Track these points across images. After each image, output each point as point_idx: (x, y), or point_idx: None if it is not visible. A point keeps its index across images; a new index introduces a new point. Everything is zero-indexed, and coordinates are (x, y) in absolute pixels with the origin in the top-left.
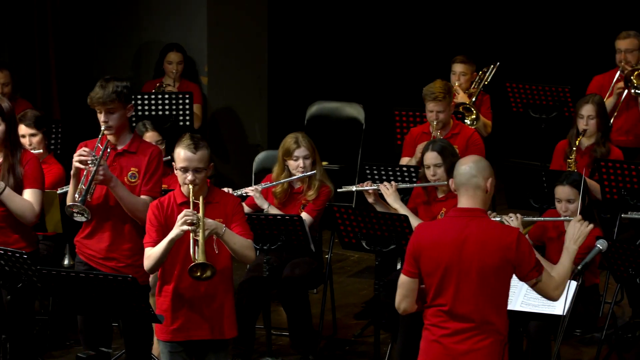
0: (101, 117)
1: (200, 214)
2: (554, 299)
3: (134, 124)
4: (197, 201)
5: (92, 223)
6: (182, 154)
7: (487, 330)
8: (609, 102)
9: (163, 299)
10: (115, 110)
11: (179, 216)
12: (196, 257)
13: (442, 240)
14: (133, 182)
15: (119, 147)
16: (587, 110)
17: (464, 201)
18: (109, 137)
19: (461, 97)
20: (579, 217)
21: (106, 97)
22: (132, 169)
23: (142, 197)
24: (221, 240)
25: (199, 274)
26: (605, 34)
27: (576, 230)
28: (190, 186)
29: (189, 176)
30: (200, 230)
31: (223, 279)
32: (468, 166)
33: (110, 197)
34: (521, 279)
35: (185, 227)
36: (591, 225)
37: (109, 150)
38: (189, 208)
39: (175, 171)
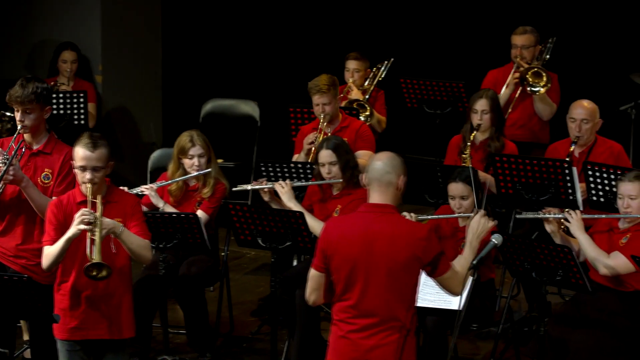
0: (18, 116)
1: (98, 213)
2: (458, 294)
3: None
4: (95, 200)
5: (5, 220)
6: (80, 152)
7: (395, 326)
8: (504, 94)
9: (61, 297)
10: (33, 110)
11: (76, 215)
12: (92, 257)
13: (351, 235)
14: (46, 183)
15: (35, 147)
16: (481, 105)
17: (376, 197)
18: (25, 137)
19: (355, 94)
20: (482, 212)
21: (25, 97)
22: (46, 170)
23: (54, 198)
24: (119, 240)
25: (94, 273)
26: (500, 28)
27: (479, 225)
28: (89, 185)
29: (87, 175)
30: (98, 230)
31: (121, 278)
32: (382, 162)
33: (23, 195)
34: (430, 275)
35: (82, 226)
36: (495, 221)
37: (23, 149)
38: (88, 207)
39: (74, 170)
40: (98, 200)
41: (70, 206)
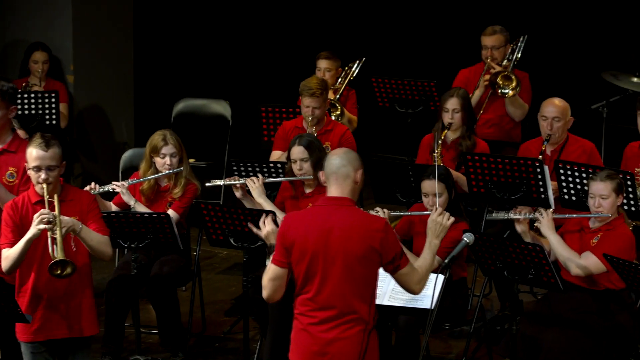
0: None
1: (56, 212)
2: (415, 292)
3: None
4: (52, 200)
5: None
6: (34, 153)
7: (353, 318)
8: (475, 96)
9: (21, 299)
10: None
11: (35, 216)
12: (55, 255)
13: (309, 228)
14: (11, 181)
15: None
16: (452, 103)
17: (333, 190)
18: None
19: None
20: (439, 210)
21: None
22: (10, 168)
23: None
24: (78, 238)
25: (59, 271)
26: (471, 27)
27: (437, 225)
28: (44, 185)
29: (42, 175)
30: (58, 229)
31: (81, 276)
32: (338, 156)
33: None
34: (385, 268)
35: (42, 226)
36: (452, 219)
37: None
38: (44, 207)
39: (28, 171)
40: (55, 200)
41: (25, 207)
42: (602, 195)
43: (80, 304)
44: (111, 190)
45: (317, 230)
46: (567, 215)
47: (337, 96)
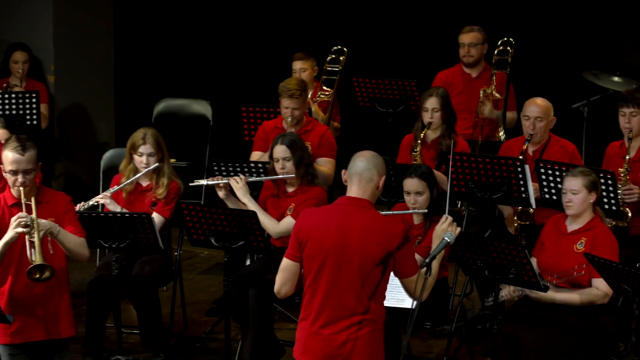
0: None
1: (34, 215)
2: (421, 299)
3: None
4: (29, 202)
5: None
6: (10, 156)
7: (365, 319)
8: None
9: None
10: None
11: (13, 219)
12: (33, 259)
13: (327, 226)
14: None
15: None
16: (432, 103)
17: (354, 190)
18: None
19: (315, 112)
20: (449, 219)
21: None
22: None
23: None
24: (56, 240)
25: (38, 275)
26: (452, 27)
27: (445, 233)
28: (21, 188)
29: (20, 178)
30: (35, 232)
31: (58, 279)
32: (365, 158)
33: None
34: (397, 273)
35: (20, 229)
36: (459, 229)
37: None
38: (21, 210)
39: (4, 174)
40: (32, 202)
41: (1, 210)
42: (572, 190)
43: (57, 307)
44: (95, 203)
45: (335, 230)
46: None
47: (328, 116)
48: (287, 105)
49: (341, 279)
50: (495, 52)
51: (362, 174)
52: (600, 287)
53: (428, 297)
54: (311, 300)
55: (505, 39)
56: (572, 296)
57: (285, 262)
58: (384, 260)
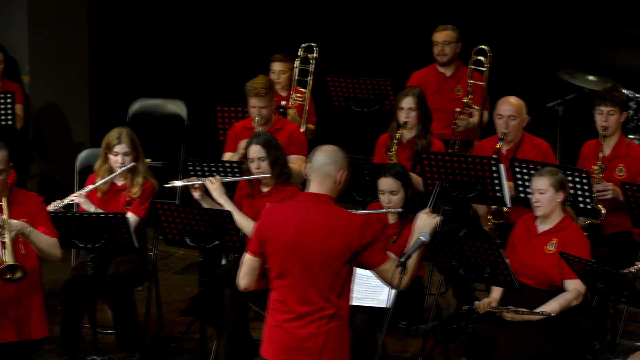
0: None
1: (5, 216)
2: (399, 287)
3: None
4: (0, 203)
5: None
6: None
7: (330, 314)
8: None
9: None
10: None
11: None
12: (5, 260)
13: (287, 222)
14: None
15: None
16: (407, 102)
17: (313, 186)
18: None
19: (292, 117)
20: (427, 209)
21: None
22: None
23: None
24: (27, 241)
25: (9, 276)
26: (427, 26)
27: (423, 221)
28: None
29: None
30: (7, 232)
31: (31, 279)
32: (325, 153)
33: None
34: (366, 265)
35: None
36: (439, 217)
37: None
38: None
39: None
40: (4, 203)
41: None
42: (539, 190)
43: (29, 308)
44: (70, 202)
45: (295, 226)
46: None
47: (303, 120)
48: (254, 105)
49: (304, 275)
50: (471, 62)
51: (321, 168)
52: (573, 287)
53: (403, 296)
54: (275, 295)
55: (481, 46)
56: (551, 306)
57: (246, 256)
58: (345, 254)
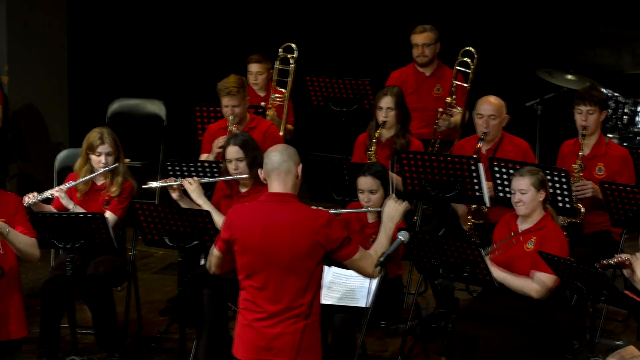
0: None
1: None
2: (373, 276)
3: None
4: None
5: None
6: None
7: (299, 313)
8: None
9: None
10: None
11: None
12: None
13: (253, 223)
14: None
15: None
16: (386, 102)
17: (275, 186)
18: None
19: (272, 117)
20: (393, 196)
21: None
22: None
23: None
24: (6, 241)
25: None
26: (405, 26)
27: (392, 209)
28: None
29: None
30: None
31: (9, 280)
32: (278, 152)
33: None
34: (337, 259)
35: None
36: (406, 203)
37: None
38: None
39: None
40: None
41: None
42: (521, 190)
43: (8, 308)
44: (50, 196)
45: (261, 226)
46: None
47: (283, 120)
48: (226, 104)
49: (274, 274)
50: (457, 63)
51: (279, 167)
52: (540, 279)
53: (383, 295)
54: (245, 295)
55: (467, 48)
56: (511, 278)
57: (215, 250)
58: (314, 251)
